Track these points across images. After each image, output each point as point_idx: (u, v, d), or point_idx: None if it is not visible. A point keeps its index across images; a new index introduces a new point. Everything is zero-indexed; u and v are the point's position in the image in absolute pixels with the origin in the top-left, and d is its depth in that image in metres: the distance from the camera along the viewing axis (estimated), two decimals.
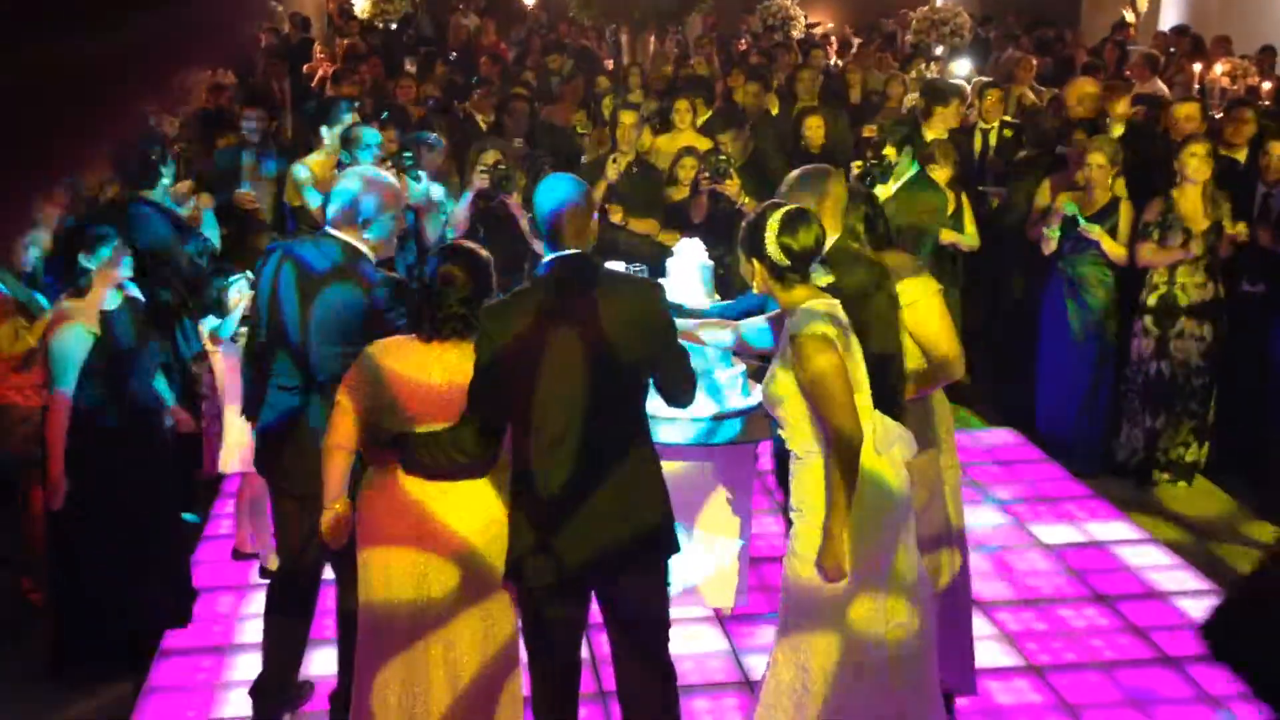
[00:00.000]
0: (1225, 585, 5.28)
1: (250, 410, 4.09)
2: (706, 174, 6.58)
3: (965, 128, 8.03)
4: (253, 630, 4.49)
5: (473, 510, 3.45)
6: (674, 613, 3.62)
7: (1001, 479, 6.42)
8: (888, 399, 3.51)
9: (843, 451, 3.25)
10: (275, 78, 10.21)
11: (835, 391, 3.25)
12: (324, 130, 6.53)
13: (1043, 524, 5.91)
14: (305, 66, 11.55)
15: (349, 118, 6.43)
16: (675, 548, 3.43)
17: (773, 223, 3.33)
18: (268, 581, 4.29)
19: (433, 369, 3.41)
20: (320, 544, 3.95)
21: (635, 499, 3.33)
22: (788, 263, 3.32)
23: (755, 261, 3.39)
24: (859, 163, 6.16)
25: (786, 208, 3.40)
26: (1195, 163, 6.02)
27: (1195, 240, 6.01)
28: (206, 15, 0.64)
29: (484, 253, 3.56)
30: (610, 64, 12.51)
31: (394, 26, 14.11)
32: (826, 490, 3.29)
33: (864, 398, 3.36)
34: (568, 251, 3.33)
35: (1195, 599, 5.17)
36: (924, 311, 3.85)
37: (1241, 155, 6.78)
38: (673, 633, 3.57)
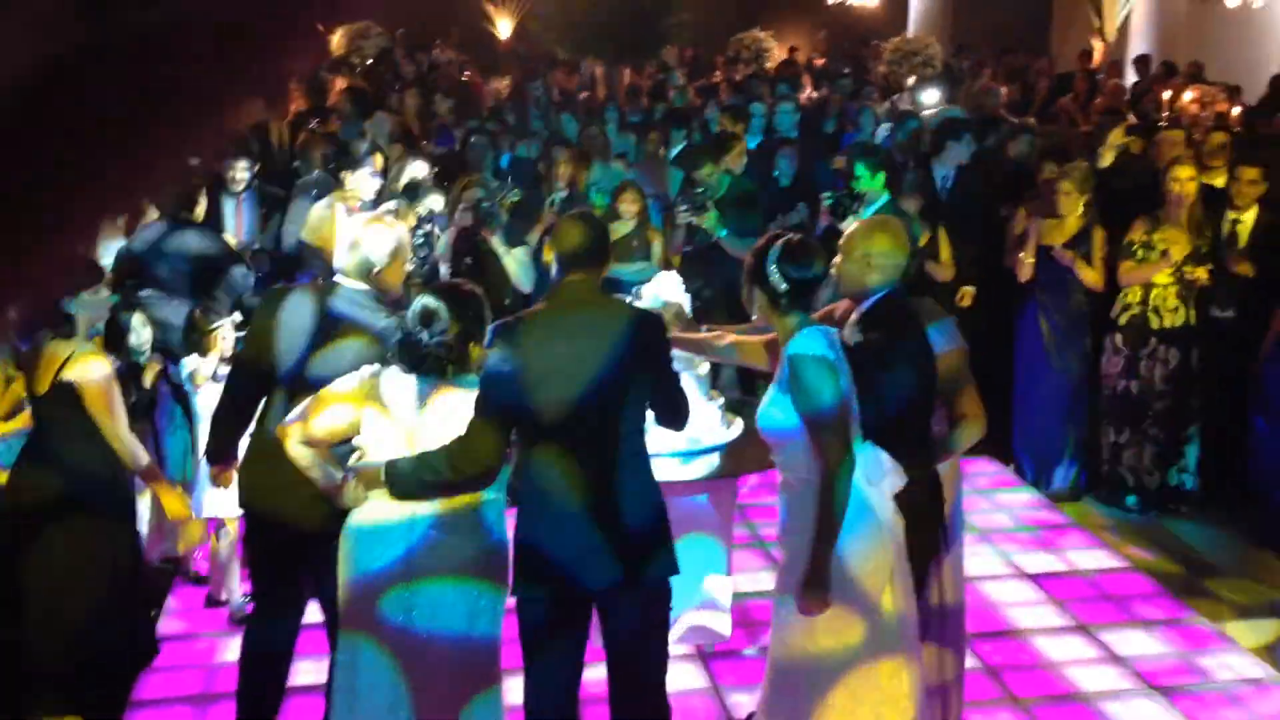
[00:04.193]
0: (1207, 613, 5.27)
1: (220, 455, 4.06)
2: (684, 207, 6.58)
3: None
4: (227, 678, 4.41)
5: (464, 545, 3.42)
6: None
7: (980, 508, 6.40)
8: (916, 465, 3.50)
9: (834, 478, 3.24)
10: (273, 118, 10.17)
11: (831, 415, 3.24)
12: (348, 175, 6.49)
13: (1023, 553, 5.90)
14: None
15: (373, 161, 6.42)
16: (675, 568, 3.46)
17: (776, 250, 3.37)
18: (243, 627, 4.23)
19: (412, 403, 3.44)
20: (300, 586, 3.91)
21: (636, 515, 3.37)
22: (786, 288, 3.34)
23: (756, 289, 3.41)
24: (829, 194, 6.15)
25: (790, 237, 3.46)
26: (1178, 187, 6.13)
27: (1174, 249, 6.06)
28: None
29: (473, 289, 3.58)
30: (585, 96, 12.53)
31: (369, 63, 14.11)
32: (815, 517, 3.27)
33: (854, 426, 3.36)
34: (577, 276, 3.43)
35: (1178, 627, 5.16)
36: (945, 364, 3.74)
37: (1220, 180, 6.83)
38: None
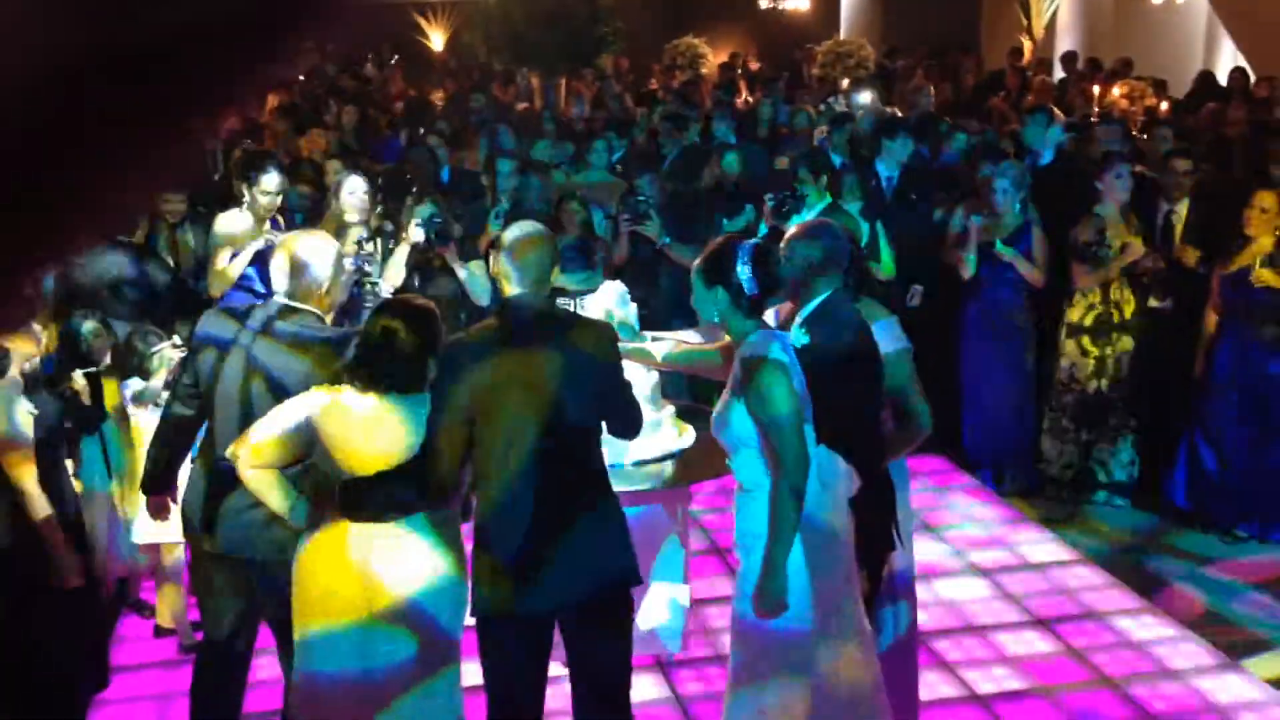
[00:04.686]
0: (1162, 604, 5.34)
1: (159, 484, 3.97)
2: (626, 215, 6.56)
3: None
4: (180, 710, 4.32)
5: (422, 562, 3.38)
6: None
7: (932, 504, 6.44)
8: (866, 464, 3.52)
9: (790, 481, 3.24)
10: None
11: (786, 419, 3.24)
12: (245, 189, 6.33)
13: (976, 549, 5.94)
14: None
15: (271, 178, 6.18)
16: (637, 578, 3.46)
17: (746, 251, 3.36)
18: (193, 657, 4.14)
19: (369, 421, 3.38)
20: (252, 614, 3.84)
21: (595, 528, 3.36)
22: (755, 292, 3.34)
23: (719, 289, 3.39)
24: (771, 196, 6.17)
25: (756, 240, 3.47)
26: (1120, 183, 6.21)
27: (1132, 245, 6.13)
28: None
29: (427, 304, 3.57)
30: (523, 108, 12.49)
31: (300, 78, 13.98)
32: (770, 520, 3.26)
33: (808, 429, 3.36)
34: (527, 291, 3.40)
35: (1131, 617, 5.22)
36: (890, 363, 3.77)
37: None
38: None
